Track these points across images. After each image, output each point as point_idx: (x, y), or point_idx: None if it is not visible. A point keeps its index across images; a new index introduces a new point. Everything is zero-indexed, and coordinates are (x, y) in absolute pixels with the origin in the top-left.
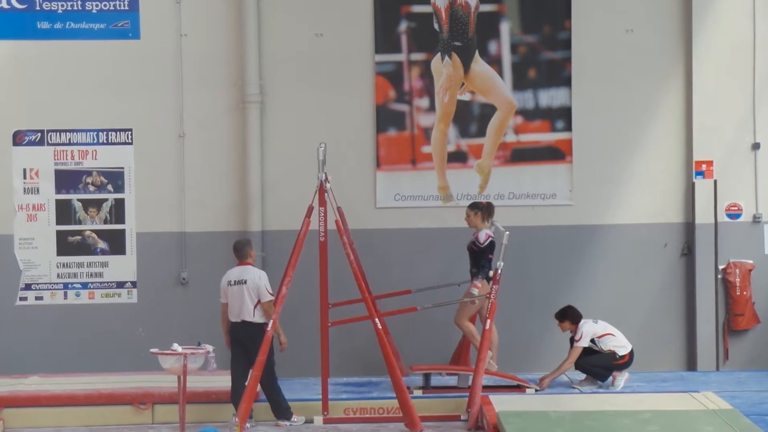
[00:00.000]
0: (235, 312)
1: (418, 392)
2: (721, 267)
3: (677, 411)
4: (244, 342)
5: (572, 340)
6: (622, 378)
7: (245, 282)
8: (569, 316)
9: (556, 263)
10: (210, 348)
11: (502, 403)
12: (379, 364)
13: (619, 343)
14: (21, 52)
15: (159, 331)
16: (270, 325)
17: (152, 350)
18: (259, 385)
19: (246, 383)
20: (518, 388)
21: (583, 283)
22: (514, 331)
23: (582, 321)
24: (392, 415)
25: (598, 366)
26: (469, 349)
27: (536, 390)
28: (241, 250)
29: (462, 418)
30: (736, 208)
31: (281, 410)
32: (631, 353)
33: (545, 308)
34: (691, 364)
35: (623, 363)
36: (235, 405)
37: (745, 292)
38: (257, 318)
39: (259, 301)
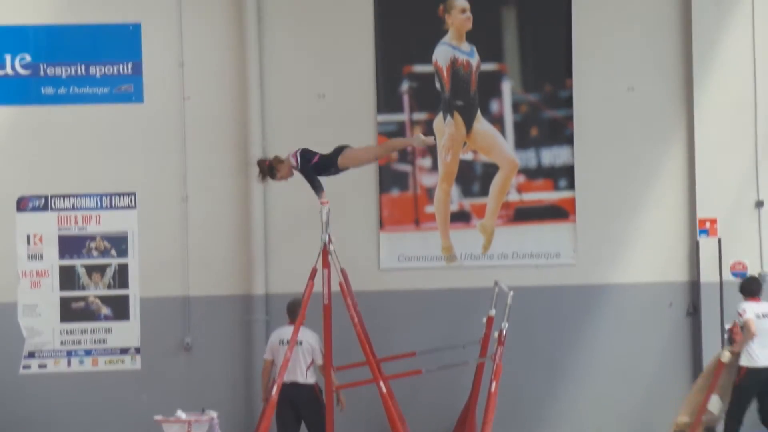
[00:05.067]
0: (284, 372)
1: None
2: (727, 326)
3: None
4: (295, 403)
5: None
6: None
7: (300, 343)
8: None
9: (560, 323)
10: (214, 414)
11: None
12: (384, 427)
13: None
14: (25, 118)
15: (163, 397)
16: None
17: (156, 417)
18: None
19: None
20: None
21: (588, 342)
22: (519, 392)
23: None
24: None
25: None
26: (474, 413)
27: None
28: (295, 311)
29: None
30: (741, 267)
31: None
32: None
33: (550, 369)
34: None
35: None
36: None
37: None
38: (309, 379)
39: (312, 362)
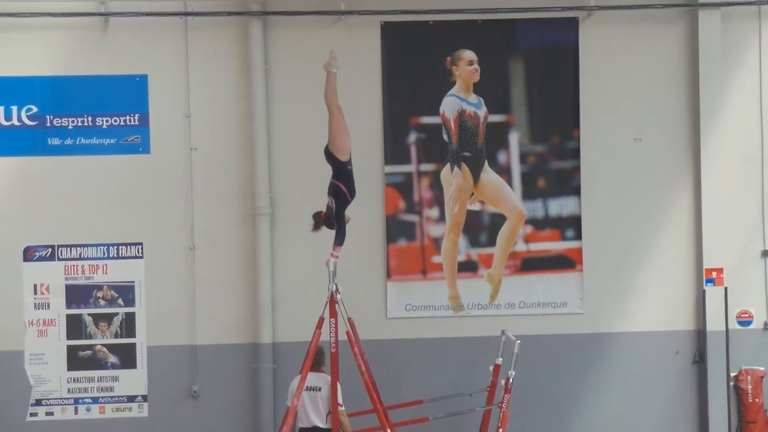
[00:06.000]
0: (305, 418)
1: None
2: (732, 374)
3: None
4: None
5: None
6: None
7: (320, 389)
8: None
9: (567, 372)
10: None
11: None
12: None
13: None
14: (32, 168)
15: None
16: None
17: None
18: None
19: None
20: None
21: (595, 391)
22: None
23: None
24: None
25: None
26: None
27: None
28: (316, 359)
29: None
30: (747, 315)
31: None
32: None
33: (556, 417)
34: None
35: None
36: None
37: (757, 399)
38: (328, 425)
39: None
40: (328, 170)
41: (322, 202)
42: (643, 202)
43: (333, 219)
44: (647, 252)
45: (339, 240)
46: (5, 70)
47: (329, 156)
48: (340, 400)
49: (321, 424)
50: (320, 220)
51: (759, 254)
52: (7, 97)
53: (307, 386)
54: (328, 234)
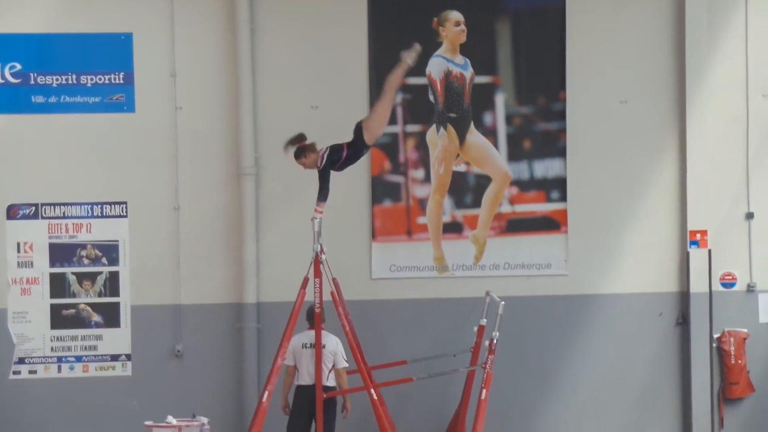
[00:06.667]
0: (307, 375)
1: None
2: (715, 336)
3: None
4: (313, 405)
5: None
6: None
7: (324, 346)
8: None
9: (551, 333)
10: (205, 420)
11: None
12: None
13: None
14: (15, 126)
15: (153, 403)
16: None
17: (147, 423)
18: None
19: None
20: None
21: (579, 352)
22: (510, 401)
23: None
24: None
25: None
26: (464, 421)
27: None
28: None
29: None
30: (731, 278)
31: None
32: None
33: (540, 378)
34: None
35: None
36: None
37: (740, 361)
38: (330, 382)
39: (334, 366)
40: (314, 131)
41: None
42: (629, 165)
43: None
44: (632, 214)
45: (322, 196)
46: None
47: (358, 129)
48: (344, 356)
49: (323, 382)
50: (296, 144)
51: (743, 217)
52: None
53: (307, 344)
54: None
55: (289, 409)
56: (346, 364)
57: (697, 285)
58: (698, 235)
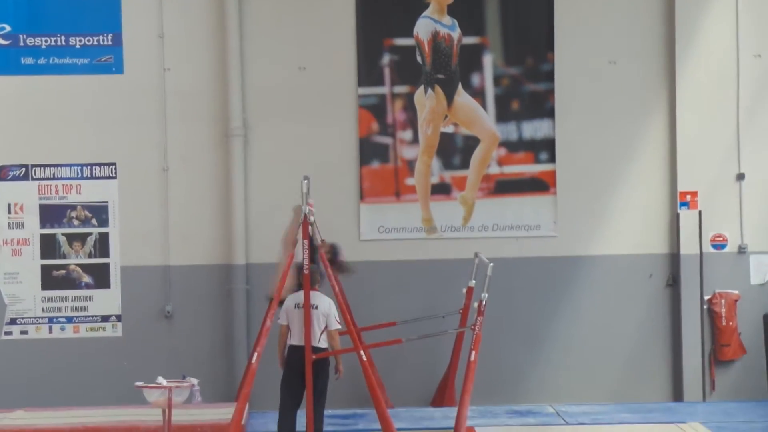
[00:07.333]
0: (299, 335)
1: None
2: (706, 297)
3: None
4: (304, 365)
5: None
6: None
7: (316, 307)
8: None
9: (540, 294)
10: (195, 381)
11: None
12: (365, 396)
13: None
14: (4, 88)
15: (144, 364)
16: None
17: (137, 383)
18: None
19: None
20: None
21: (568, 314)
22: (499, 363)
23: None
24: None
25: None
26: (453, 382)
27: None
28: (312, 276)
29: None
30: (721, 239)
31: None
32: None
33: (530, 339)
34: (677, 394)
35: None
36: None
37: (731, 323)
38: (322, 344)
39: (326, 328)
40: (304, 90)
41: (296, 124)
42: (618, 126)
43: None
44: (621, 175)
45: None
46: None
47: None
48: (338, 317)
49: (315, 343)
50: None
51: (734, 177)
52: None
53: (300, 304)
54: (300, 153)
55: None
56: (338, 326)
57: (688, 246)
58: (688, 197)
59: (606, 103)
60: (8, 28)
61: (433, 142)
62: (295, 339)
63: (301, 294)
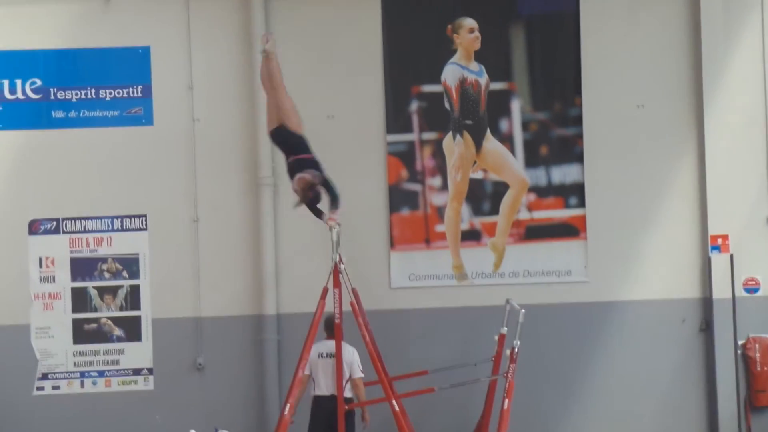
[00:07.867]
0: (324, 385)
1: None
2: (740, 342)
3: None
4: (331, 416)
5: None
6: None
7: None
8: None
9: (572, 341)
10: None
11: None
12: None
13: None
14: (36, 141)
15: (176, 417)
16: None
17: None
18: None
19: None
20: None
21: (600, 360)
22: (532, 410)
23: None
24: None
25: None
26: (487, 430)
27: None
28: (332, 326)
29: None
30: (754, 283)
31: None
32: None
33: (562, 386)
34: None
35: None
36: None
37: (765, 368)
38: (347, 393)
39: (350, 377)
40: (333, 139)
41: (325, 172)
42: (647, 169)
43: (317, 187)
44: (652, 219)
45: (335, 204)
46: (9, 43)
47: (287, 135)
48: (360, 365)
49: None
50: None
51: (765, 220)
52: (12, 70)
53: (324, 353)
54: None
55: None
56: (362, 374)
57: (720, 290)
58: (719, 240)
59: (635, 147)
60: (39, 83)
61: (463, 188)
62: (320, 389)
63: (324, 343)
